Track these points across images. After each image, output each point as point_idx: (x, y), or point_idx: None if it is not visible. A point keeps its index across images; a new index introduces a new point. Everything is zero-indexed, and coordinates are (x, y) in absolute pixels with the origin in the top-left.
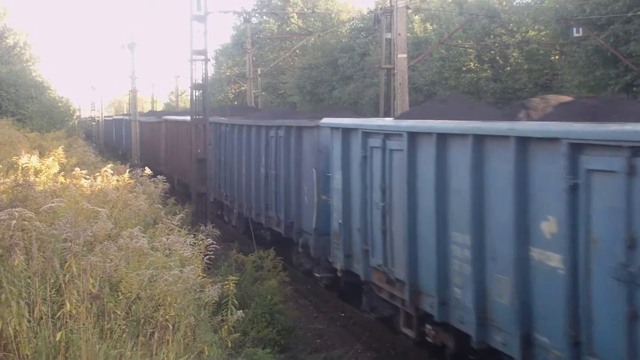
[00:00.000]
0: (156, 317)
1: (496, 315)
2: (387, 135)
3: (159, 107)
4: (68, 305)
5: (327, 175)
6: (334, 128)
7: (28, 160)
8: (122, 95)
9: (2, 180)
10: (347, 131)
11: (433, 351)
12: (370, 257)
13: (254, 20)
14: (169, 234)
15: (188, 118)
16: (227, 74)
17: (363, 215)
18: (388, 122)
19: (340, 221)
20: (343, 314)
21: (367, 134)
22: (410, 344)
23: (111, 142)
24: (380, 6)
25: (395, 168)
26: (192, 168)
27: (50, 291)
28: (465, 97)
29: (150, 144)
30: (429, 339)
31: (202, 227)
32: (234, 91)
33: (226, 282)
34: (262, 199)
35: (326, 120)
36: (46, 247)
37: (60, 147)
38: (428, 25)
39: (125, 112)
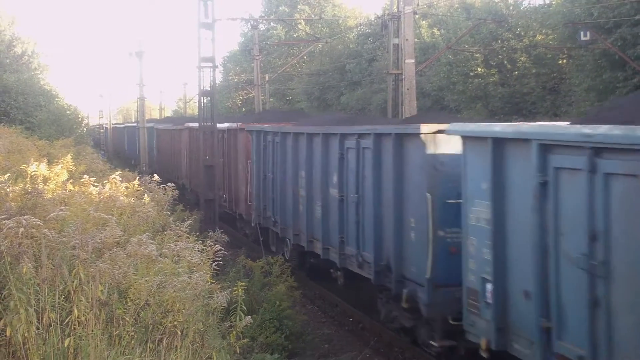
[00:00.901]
0: (165, 323)
1: None
2: (598, 150)
3: (167, 114)
4: (76, 311)
5: (449, 202)
6: (469, 137)
7: (37, 168)
8: (130, 102)
9: (11, 188)
10: (500, 142)
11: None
12: (554, 340)
13: (262, 27)
14: (177, 241)
15: (222, 125)
16: (235, 80)
17: (540, 273)
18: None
19: (487, 276)
20: (351, 319)
21: (548, 147)
22: (420, 350)
23: (122, 150)
24: (387, 12)
25: (620, 205)
26: (203, 175)
27: (58, 298)
28: None
29: (169, 155)
30: None
31: (210, 233)
32: (241, 98)
33: (235, 288)
34: (335, 230)
35: (456, 127)
36: (55, 254)
37: (68, 155)
38: (435, 30)
39: (135, 120)
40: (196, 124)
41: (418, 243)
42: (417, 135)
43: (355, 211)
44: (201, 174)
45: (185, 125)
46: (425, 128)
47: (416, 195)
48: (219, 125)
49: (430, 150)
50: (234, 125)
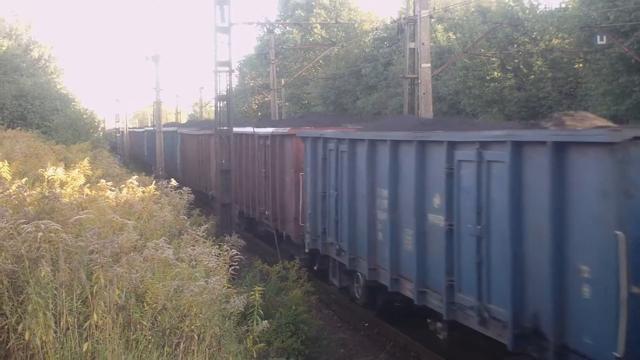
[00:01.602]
0: (182, 328)
1: None
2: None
3: (183, 119)
4: (95, 316)
5: None
6: None
7: (54, 172)
8: (146, 106)
9: (28, 192)
10: None
11: None
12: None
13: (278, 31)
14: (194, 245)
15: (264, 130)
16: (251, 84)
17: None
18: None
19: None
20: (367, 324)
21: None
22: (437, 355)
23: (141, 155)
24: (403, 16)
25: None
26: (220, 180)
27: (76, 302)
28: None
29: (196, 162)
30: None
31: (227, 238)
32: (257, 102)
33: (252, 293)
34: (438, 269)
35: None
36: (72, 258)
37: (85, 159)
38: (451, 34)
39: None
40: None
41: (596, 302)
42: (599, 144)
43: (475, 247)
44: (240, 186)
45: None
46: (615, 135)
47: (592, 232)
48: (261, 131)
49: (622, 166)
50: (280, 130)
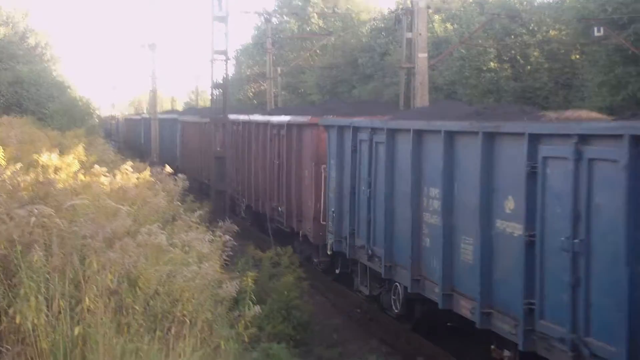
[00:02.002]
0: (174, 312)
1: None
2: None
3: (179, 107)
4: (87, 300)
5: None
6: None
7: (48, 158)
8: (141, 94)
9: (22, 178)
10: None
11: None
12: None
13: (275, 20)
14: (187, 231)
15: (278, 118)
16: (248, 73)
17: None
18: None
19: None
20: (359, 310)
21: None
22: (425, 340)
23: (138, 143)
24: (401, 6)
25: None
26: (214, 166)
27: (68, 286)
28: None
29: (198, 153)
30: None
31: (220, 224)
32: (253, 90)
33: (244, 279)
34: (512, 289)
35: None
36: (66, 243)
37: (80, 145)
38: (448, 25)
39: (163, 110)
40: (240, 116)
41: None
42: None
43: (569, 265)
44: (248, 178)
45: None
46: None
47: None
48: (274, 119)
49: None
50: (298, 118)
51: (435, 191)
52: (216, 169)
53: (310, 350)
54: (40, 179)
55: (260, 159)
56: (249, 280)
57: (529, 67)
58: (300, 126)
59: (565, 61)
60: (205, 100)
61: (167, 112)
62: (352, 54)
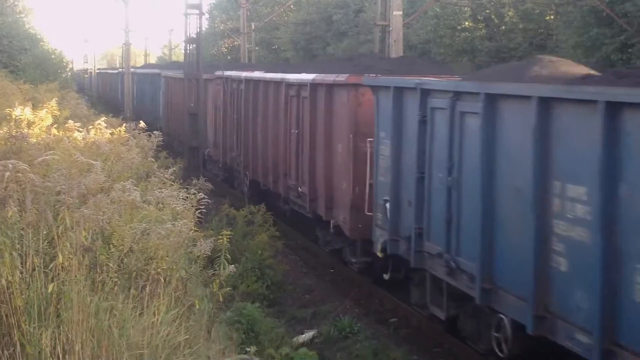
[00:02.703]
0: (148, 271)
1: None
2: None
3: (152, 61)
4: (60, 257)
5: None
6: None
7: (21, 112)
8: (115, 48)
9: None
10: None
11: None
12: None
13: None
14: (161, 188)
15: (298, 76)
16: (221, 28)
17: None
18: None
19: None
20: (332, 270)
21: None
22: (399, 300)
23: (114, 99)
24: None
25: None
26: (185, 123)
27: (43, 243)
28: None
29: (185, 112)
30: None
31: (194, 181)
32: (227, 46)
33: (219, 237)
34: None
35: None
36: (40, 199)
37: (53, 100)
38: None
39: (120, 65)
40: (243, 73)
41: None
42: None
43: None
44: (254, 148)
45: (218, 73)
46: None
47: None
48: (291, 76)
49: None
50: (329, 77)
51: (577, 190)
52: (189, 125)
53: (283, 310)
54: (14, 133)
55: (272, 127)
56: (224, 239)
57: (503, 27)
58: (331, 87)
59: (540, 22)
60: (179, 55)
61: (147, 66)
62: (327, 10)
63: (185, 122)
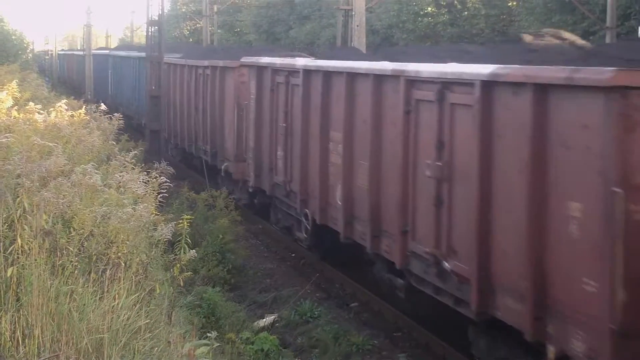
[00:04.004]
0: (108, 255)
1: None
2: None
3: (114, 43)
4: (20, 240)
5: None
6: None
7: None
8: (76, 29)
9: None
10: None
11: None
12: None
13: None
14: (122, 171)
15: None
16: (184, 10)
17: None
18: None
19: None
20: (293, 254)
21: None
22: (360, 285)
23: (76, 82)
24: None
25: None
26: (149, 106)
27: (2, 226)
28: None
29: (178, 107)
30: None
31: (155, 165)
32: (189, 28)
33: (180, 222)
34: None
35: None
36: None
37: (14, 81)
38: None
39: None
40: (265, 59)
41: None
42: None
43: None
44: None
45: (242, 60)
46: None
47: None
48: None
49: None
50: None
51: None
52: (151, 108)
53: (244, 295)
54: None
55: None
56: (185, 223)
57: (466, 12)
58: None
59: (503, 8)
60: (140, 36)
61: (122, 47)
62: None
63: (147, 105)
